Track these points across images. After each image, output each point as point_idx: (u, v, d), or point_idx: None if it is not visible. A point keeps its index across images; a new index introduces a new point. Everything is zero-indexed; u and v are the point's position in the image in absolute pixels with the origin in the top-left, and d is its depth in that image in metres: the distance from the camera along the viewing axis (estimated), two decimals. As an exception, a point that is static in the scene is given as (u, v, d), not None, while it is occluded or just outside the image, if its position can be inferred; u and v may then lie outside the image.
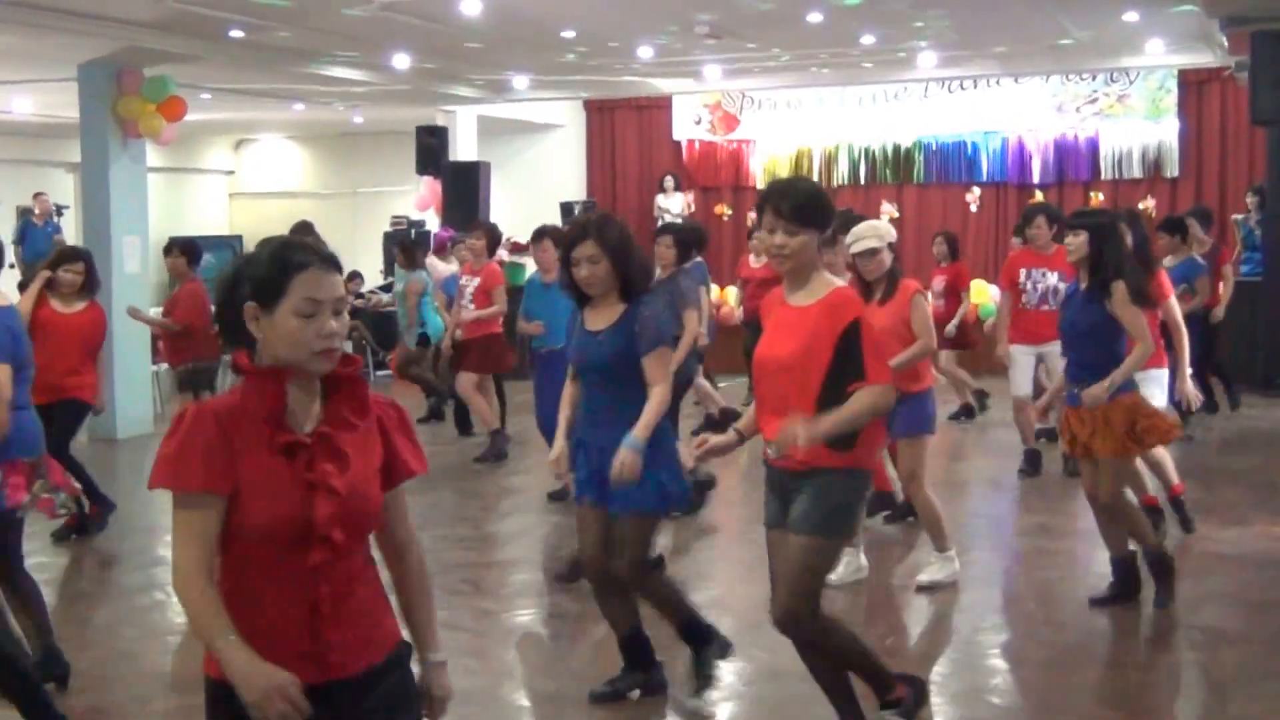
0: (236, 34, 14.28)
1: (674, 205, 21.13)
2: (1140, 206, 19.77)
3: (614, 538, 5.94)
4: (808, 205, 5.15)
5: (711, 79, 18.79)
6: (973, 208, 20.78)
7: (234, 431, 3.12)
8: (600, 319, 5.94)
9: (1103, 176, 20.20)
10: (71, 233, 20.54)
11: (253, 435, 3.13)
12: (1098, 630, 7.45)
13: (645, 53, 16.63)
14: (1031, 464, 11.45)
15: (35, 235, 19.31)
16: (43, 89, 17.03)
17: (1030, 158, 20.58)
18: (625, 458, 5.64)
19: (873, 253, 7.73)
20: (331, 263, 3.20)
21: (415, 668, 3.39)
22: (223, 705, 3.11)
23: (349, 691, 3.19)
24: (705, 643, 6.21)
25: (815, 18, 14.44)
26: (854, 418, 5.06)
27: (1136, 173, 20.06)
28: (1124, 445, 7.24)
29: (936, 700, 6.26)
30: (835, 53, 16.94)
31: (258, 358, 3.18)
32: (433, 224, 19.97)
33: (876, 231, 7.83)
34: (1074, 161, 20.35)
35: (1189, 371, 9.19)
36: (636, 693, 6.18)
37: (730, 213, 21.95)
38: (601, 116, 23.04)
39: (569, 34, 15.26)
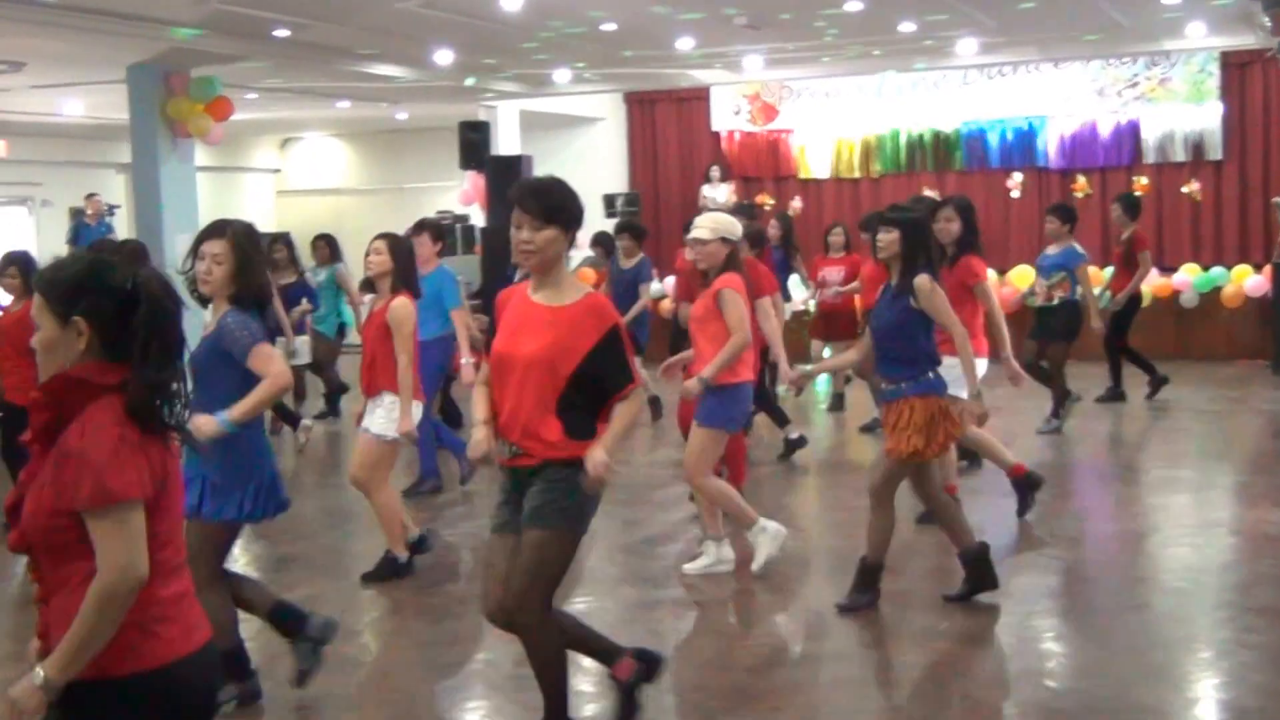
0: (281, 33, 14.42)
1: (720, 196, 21.15)
2: (1184, 190, 19.77)
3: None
4: (554, 203, 5.25)
5: (751, 69, 18.85)
6: (1014, 194, 20.73)
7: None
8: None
9: (1145, 161, 20.13)
10: (124, 232, 20.76)
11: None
12: (1152, 611, 7.50)
13: (685, 44, 16.70)
14: None
15: (89, 235, 19.48)
16: (93, 91, 17.22)
17: (1072, 143, 20.54)
18: (202, 421, 5.51)
19: (700, 242, 7.93)
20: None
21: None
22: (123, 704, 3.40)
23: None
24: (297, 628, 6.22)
25: (854, 6, 14.50)
26: (628, 428, 5.32)
27: (1180, 156, 19.98)
28: (911, 446, 7.14)
29: (992, 683, 6.35)
30: (874, 40, 16.96)
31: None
32: (478, 218, 20.08)
33: (710, 223, 7.99)
34: (1116, 146, 20.29)
35: (1009, 354, 9.23)
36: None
37: (772, 202, 21.98)
38: (642, 109, 23.11)
39: (609, 27, 15.34)
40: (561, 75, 19.08)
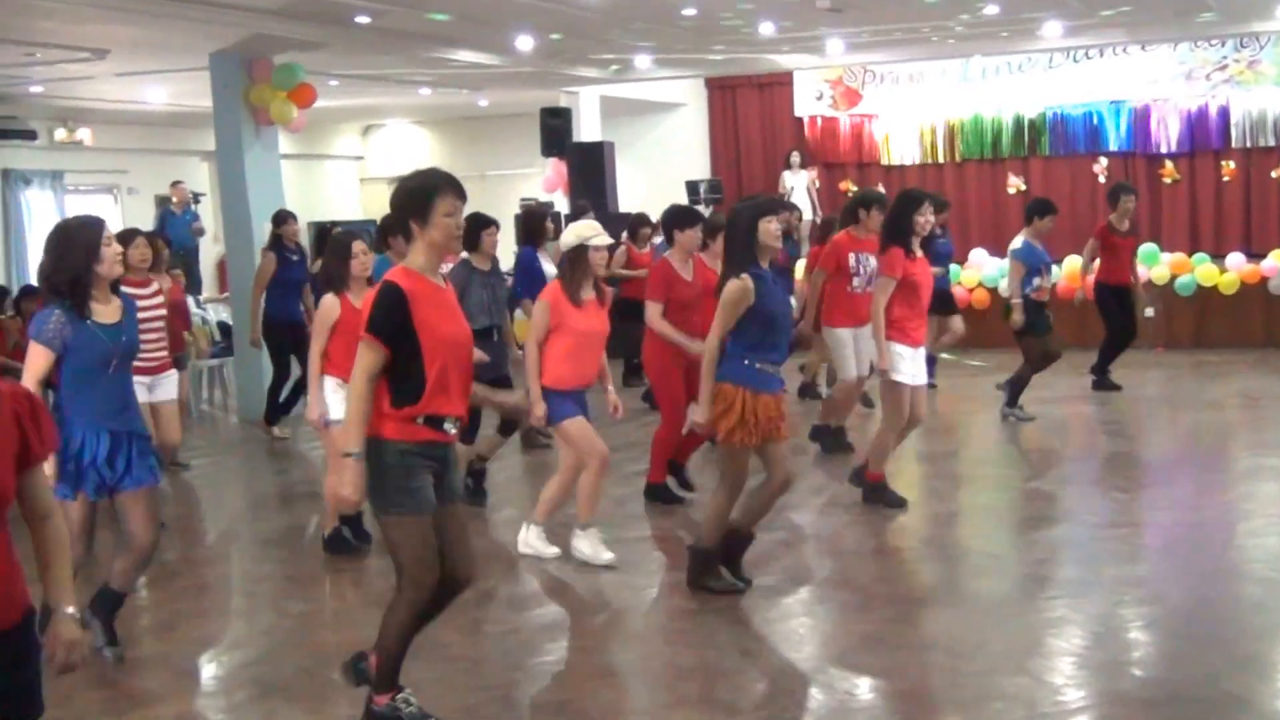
0: (363, 19, 14.49)
1: (799, 182, 21.09)
2: (1274, 175, 19.50)
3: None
4: None
5: (833, 54, 18.74)
6: (1100, 179, 20.51)
7: None
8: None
9: (1234, 145, 19.86)
10: (210, 220, 21.01)
11: None
12: (1241, 602, 7.41)
13: (766, 29, 16.63)
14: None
15: (174, 223, 19.72)
16: (176, 79, 17.35)
17: (1158, 127, 20.30)
18: None
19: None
20: None
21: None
22: None
23: (9, 637, 3.53)
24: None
25: (939, -11, 14.41)
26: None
27: (1269, 140, 19.70)
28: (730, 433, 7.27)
29: (1079, 673, 6.30)
30: (959, 24, 16.82)
31: None
32: (561, 205, 20.14)
33: (572, 231, 8.27)
34: (1204, 130, 20.04)
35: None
36: None
37: (855, 189, 21.87)
38: (723, 94, 23.07)
39: (690, 11, 15.29)
40: (643, 61, 19.06)
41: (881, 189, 20.36)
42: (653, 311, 9.52)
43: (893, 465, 9.83)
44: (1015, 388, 12.66)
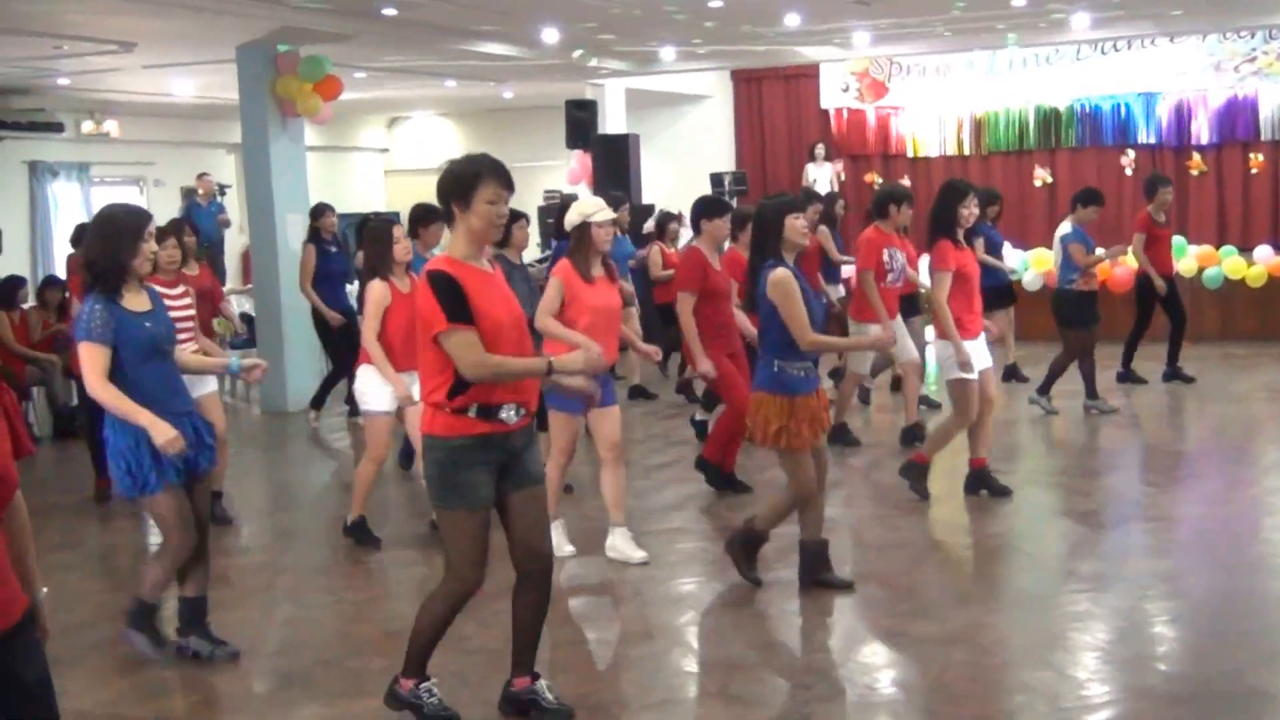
0: (389, 12, 14.50)
1: (823, 175, 21.04)
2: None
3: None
4: None
5: (860, 46, 18.67)
6: (1128, 171, 20.40)
7: None
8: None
9: (1262, 137, 19.71)
10: (235, 212, 21.04)
11: None
12: (1268, 596, 7.36)
13: (792, 20, 16.57)
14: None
15: (200, 215, 19.72)
16: (203, 71, 17.41)
17: (1187, 119, 20.16)
18: None
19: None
20: None
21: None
22: None
23: (17, 637, 3.39)
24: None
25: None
26: None
27: (1300, 133, 19.58)
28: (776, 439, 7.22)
29: (1103, 668, 6.26)
30: (986, 15, 16.74)
31: None
32: (586, 196, 20.05)
33: (575, 209, 8.21)
34: (1232, 122, 19.88)
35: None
36: None
37: (881, 181, 21.83)
38: (749, 87, 23.00)
39: (716, 3, 15.25)
40: (668, 53, 19.02)
41: (907, 182, 20.36)
42: (684, 304, 9.45)
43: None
44: (1052, 375, 12.69)
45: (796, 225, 7.23)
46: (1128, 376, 14.11)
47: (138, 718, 6.10)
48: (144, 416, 5.99)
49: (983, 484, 9.54)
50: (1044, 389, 12.68)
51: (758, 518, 7.60)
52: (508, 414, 5.37)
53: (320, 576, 8.46)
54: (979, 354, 9.22)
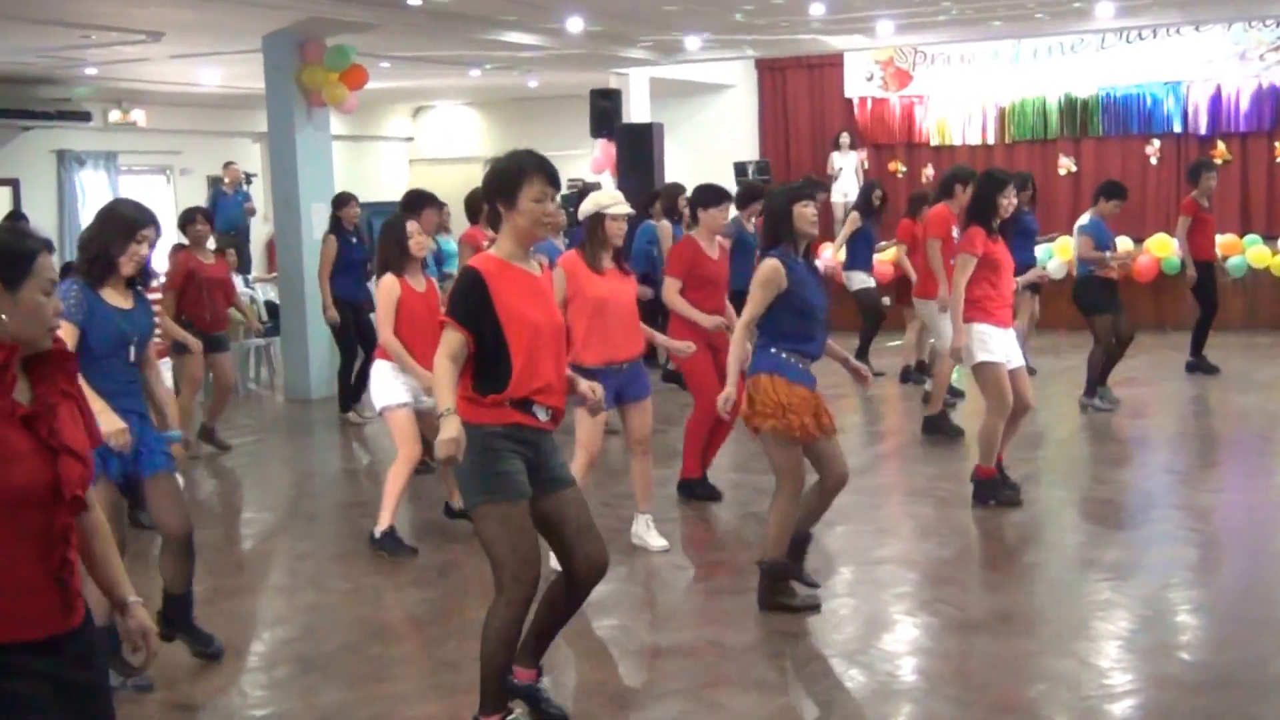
0: (414, 1, 14.51)
1: (848, 163, 21.00)
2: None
3: None
4: None
5: (884, 35, 18.62)
6: (1152, 160, 20.33)
7: None
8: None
9: (1288, 125, 19.63)
10: (261, 201, 21.12)
11: None
12: (1290, 586, 7.36)
13: (817, 9, 16.53)
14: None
15: (226, 204, 19.82)
16: (229, 61, 17.45)
17: (1212, 108, 20.06)
18: None
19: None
20: (51, 248, 3.50)
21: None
22: None
23: (75, 636, 3.44)
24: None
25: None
26: None
27: (1324, 121, 19.48)
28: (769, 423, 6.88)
29: (1126, 656, 6.26)
30: (1010, 4, 16.68)
31: None
32: (609, 186, 20.08)
33: (591, 199, 8.04)
34: (1258, 111, 19.79)
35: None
36: None
37: (905, 170, 21.78)
38: (773, 76, 22.98)
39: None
40: (692, 42, 19.00)
41: (931, 170, 20.34)
42: (670, 287, 9.34)
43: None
44: (1092, 374, 12.47)
45: (806, 214, 7.01)
46: (1197, 366, 14.16)
47: (157, 702, 6.13)
48: (96, 404, 5.94)
49: (993, 494, 9.24)
50: (1090, 391, 12.47)
51: (768, 548, 7.11)
52: (540, 413, 5.26)
53: (342, 562, 8.48)
54: (1010, 347, 9.04)
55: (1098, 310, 12.34)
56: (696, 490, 9.63)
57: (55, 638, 3.38)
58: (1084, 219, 12.58)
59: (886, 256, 16.35)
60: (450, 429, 4.99)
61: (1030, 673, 6.10)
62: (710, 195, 9.68)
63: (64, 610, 3.41)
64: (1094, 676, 6.00)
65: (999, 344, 8.92)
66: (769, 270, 6.91)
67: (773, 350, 6.92)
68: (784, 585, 7.10)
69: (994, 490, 9.06)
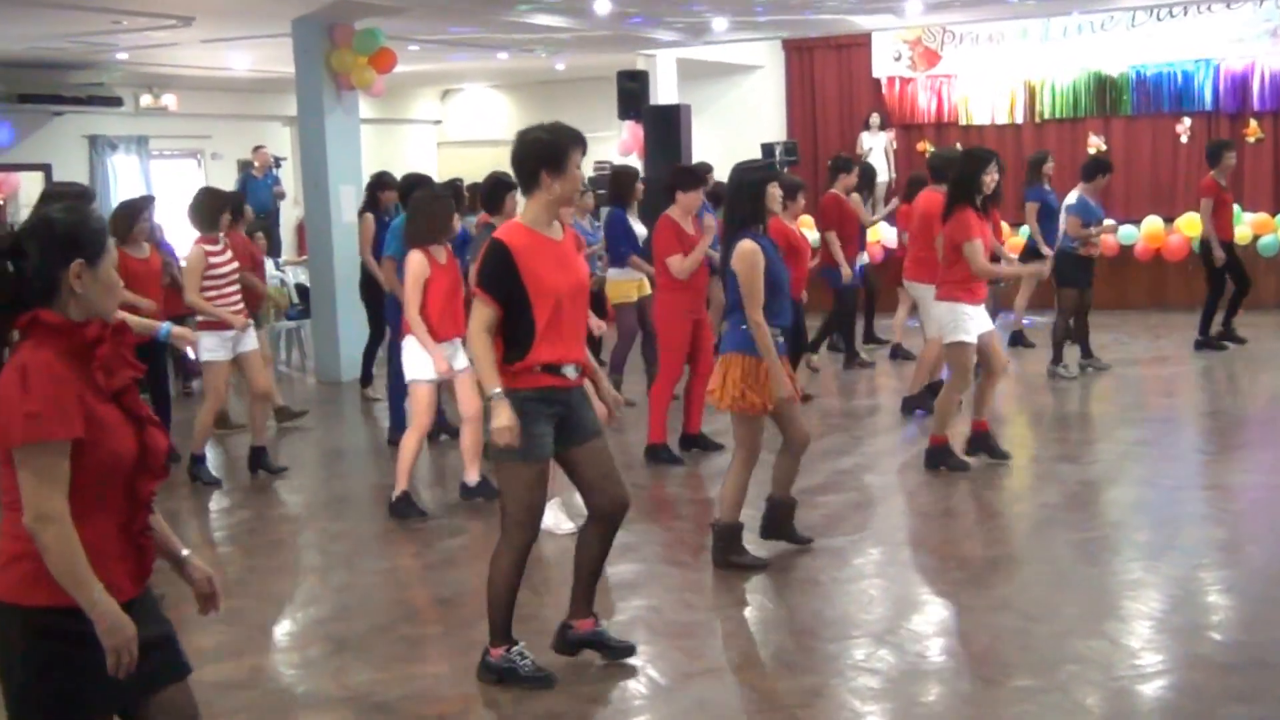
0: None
1: (877, 143, 20.94)
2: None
3: None
4: None
5: (912, 14, 18.53)
6: (1183, 139, 20.18)
7: (75, 379, 3.44)
8: None
9: (1321, 104, 19.48)
10: (290, 184, 21.18)
11: (83, 382, 3.45)
12: (1321, 566, 7.34)
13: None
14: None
15: (256, 187, 19.88)
16: (259, 45, 17.48)
17: (1244, 86, 19.90)
18: None
19: None
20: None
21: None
22: (43, 634, 3.45)
23: (144, 600, 3.65)
24: None
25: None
26: None
27: (1357, 98, 19.32)
28: (733, 402, 7.26)
29: (1157, 636, 6.26)
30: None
31: (67, 313, 3.49)
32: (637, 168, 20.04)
33: None
34: (1290, 88, 19.64)
35: None
36: None
37: (932, 149, 21.69)
38: (800, 56, 22.88)
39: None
40: (719, 23, 18.95)
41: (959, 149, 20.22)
42: (675, 264, 9.84)
43: (964, 427, 9.82)
44: (1058, 341, 13.04)
45: (775, 194, 7.46)
46: (1227, 336, 14.28)
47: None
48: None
49: (983, 447, 9.71)
50: (1056, 358, 13.05)
51: (722, 512, 7.53)
52: (568, 370, 5.64)
53: (374, 543, 8.53)
54: (979, 319, 9.40)
55: (1071, 284, 12.92)
56: (661, 455, 10.17)
57: (131, 602, 3.53)
58: (1071, 198, 13.05)
59: (874, 238, 16.72)
60: (503, 416, 5.45)
61: (1061, 653, 6.09)
62: (686, 178, 10.27)
63: (139, 577, 3.61)
64: (1124, 657, 6.00)
65: (975, 324, 9.36)
66: (753, 254, 7.24)
67: (743, 327, 7.24)
68: (736, 545, 7.52)
69: (944, 457, 9.56)
